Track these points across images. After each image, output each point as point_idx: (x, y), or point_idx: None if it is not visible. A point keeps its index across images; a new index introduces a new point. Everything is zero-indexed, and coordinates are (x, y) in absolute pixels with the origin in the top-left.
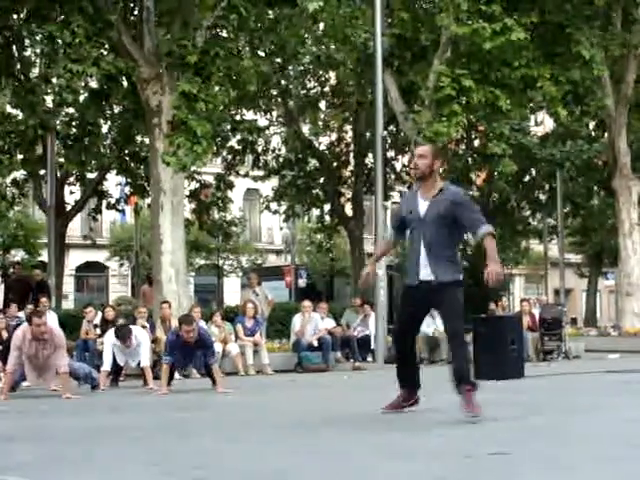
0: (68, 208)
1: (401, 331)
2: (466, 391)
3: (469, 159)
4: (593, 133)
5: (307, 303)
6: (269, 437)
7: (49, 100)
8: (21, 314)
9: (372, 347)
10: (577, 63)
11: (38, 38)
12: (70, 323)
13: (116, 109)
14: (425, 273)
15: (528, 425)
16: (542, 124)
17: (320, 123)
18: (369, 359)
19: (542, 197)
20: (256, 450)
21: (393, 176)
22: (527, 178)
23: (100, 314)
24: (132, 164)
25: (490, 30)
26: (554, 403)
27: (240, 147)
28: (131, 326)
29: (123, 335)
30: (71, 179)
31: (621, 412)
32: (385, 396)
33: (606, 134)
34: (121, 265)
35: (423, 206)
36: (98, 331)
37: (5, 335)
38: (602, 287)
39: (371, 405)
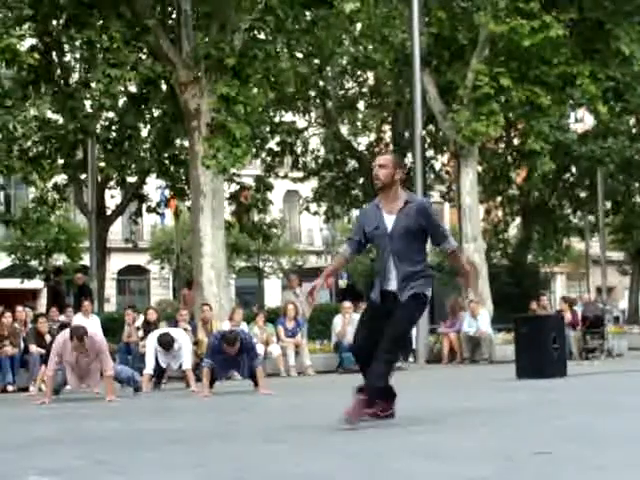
0: (109, 212)
1: (359, 347)
2: (360, 399)
3: (508, 157)
4: (634, 130)
5: (347, 304)
6: (309, 439)
7: (88, 105)
8: (62, 317)
9: (413, 347)
10: (617, 59)
11: (77, 44)
12: (112, 326)
13: (155, 113)
14: (392, 286)
15: (570, 425)
16: (582, 121)
17: (359, 123)
18: (410, 359)
19: (582, 195)
20: (295, 453)
21: (432, 175)
22: (567, 176)
23: (142, 316)
24: (172, 167)
25: (528, 27)
26: (597, 402)
27: (279, 149)
28: (172, 329)
29: (166, 344)
30: (111, 183)
31: None
32: (422, 395)
33: None
34: (162, 268)
35: (389, 220)
36: (140, 333)
37: (48, 339)
38: None
39: (410, 406)
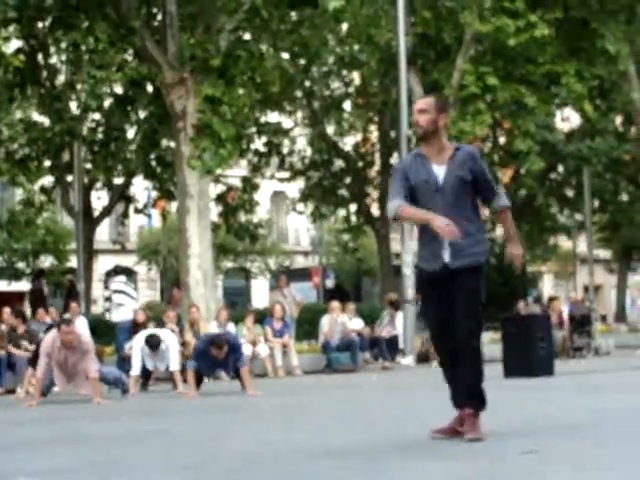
0: (96, 214)
1: (436, 335)
2: (469, 415)
3: (495, 157)
4: (620, 128)
5: (335, 304)
6: (299, 439)
7: (74, 107)
8: (48, 320)
9: (400, 347)
10: (602, 58)
11: (63, 45)
12: (100, 328)
13: (141, 114)
14: (447, 254)
15: (558, 423)
16: (568, 120)
17: (345, 123)
18: (397, 359)
19: (569, 193)
20: (287, 452)
21: None
22: (554, 175)
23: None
24: (158, 169)
25: (514, 27)
26: (584, 401)
27: (265, 149)
28: (160, 330)
29: (154, 345)
30: (98, 185)
31: None
32: (414, 395)
33: (633, 129)
34: (149, 269)
35: (440, 172)
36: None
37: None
38: (632, 283)
39: (398, 406)
